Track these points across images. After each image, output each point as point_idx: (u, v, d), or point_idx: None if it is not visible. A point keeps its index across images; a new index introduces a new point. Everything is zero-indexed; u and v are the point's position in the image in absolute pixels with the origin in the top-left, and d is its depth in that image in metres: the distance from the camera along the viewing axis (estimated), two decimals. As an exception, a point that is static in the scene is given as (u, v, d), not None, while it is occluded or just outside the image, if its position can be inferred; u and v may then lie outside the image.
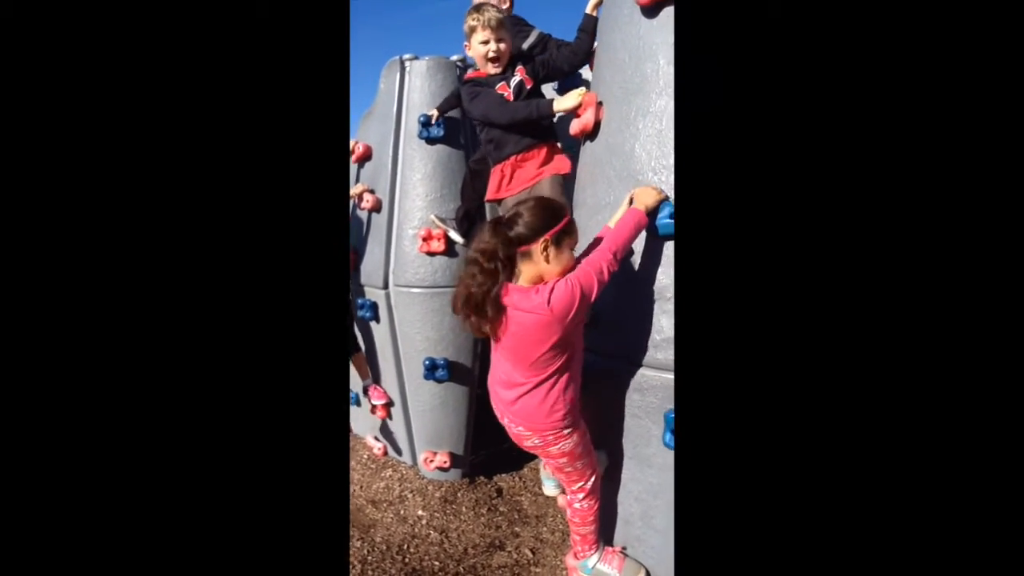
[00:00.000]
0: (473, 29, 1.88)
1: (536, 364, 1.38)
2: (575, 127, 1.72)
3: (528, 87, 1.92)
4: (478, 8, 1.92)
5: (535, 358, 1.37)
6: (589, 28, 1.89)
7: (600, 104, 1.65)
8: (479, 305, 1.35)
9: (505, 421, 1.53)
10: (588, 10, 1.88)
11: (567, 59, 1.98)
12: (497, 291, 1.34)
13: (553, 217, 1.36)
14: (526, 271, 1.38)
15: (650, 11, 1.46)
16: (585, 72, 2.24)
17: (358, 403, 2.94)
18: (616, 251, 1.38)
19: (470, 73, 2.03)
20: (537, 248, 1.34)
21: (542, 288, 1.33)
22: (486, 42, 1.87)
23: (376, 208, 2.53)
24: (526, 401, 1.43)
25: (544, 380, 1.40)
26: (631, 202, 1.44)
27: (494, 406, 1.57)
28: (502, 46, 1.88)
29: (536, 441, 1.47)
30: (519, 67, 1.93)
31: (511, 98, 1.88)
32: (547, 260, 1.35)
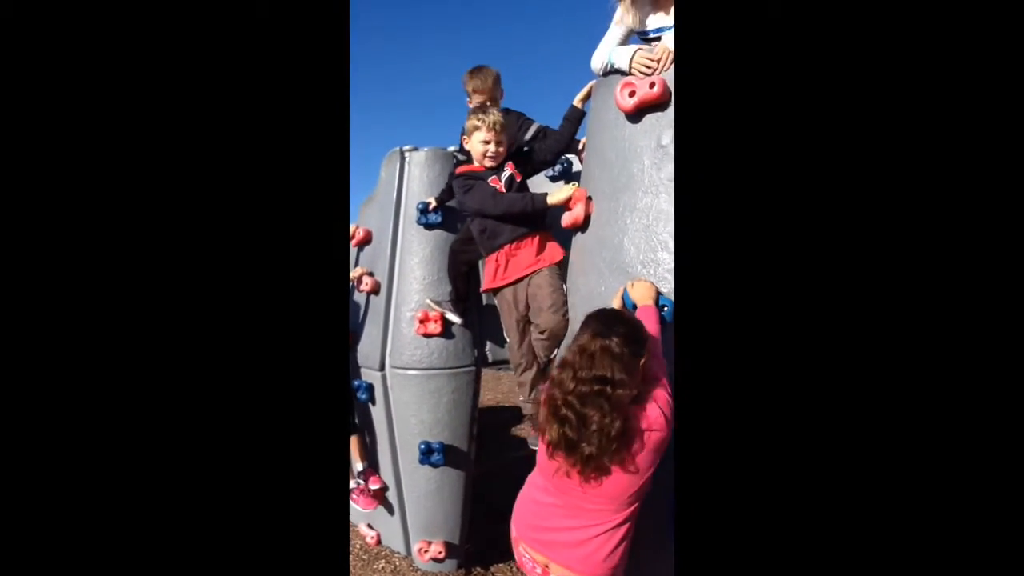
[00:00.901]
0: (477, 128, 1.97)
1: (634, 496, 1.22)
2: (567, 220, 1.79)
3: (518, 180, 2.01)
4: (483, 109, 2.03)
5: (637, 487, 1.21)
6: (573, 118, 2.00)
7: (590, 199, 1.72)
8: (609, 441, 1.15)
9: (534, 556, 1.34)
10: (575, 102, 2.00)
11: (550, 148, 2.09)
12: (630, 423, 1.17)
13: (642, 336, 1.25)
14: None
15: (634, 117, 1.57)
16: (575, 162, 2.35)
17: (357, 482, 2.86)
18: (660, 353, 1.35)
19: (462, 168, 2.13)
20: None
21: (649, 404, 1.21)
22: (487, 142, 1.96)
23: (375, 291, 2.58)
24: (597, 544, 1.22)
25: (627, 519, 1.23)
26: (625, 294, 1.47)
27: (525, 539, 1.37)
28: (501, 148, 1.99)
29: None
30: (509, 161, 2.04)
31: (503, 191, 1.97)
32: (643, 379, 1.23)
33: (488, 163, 2.01)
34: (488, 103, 2.26)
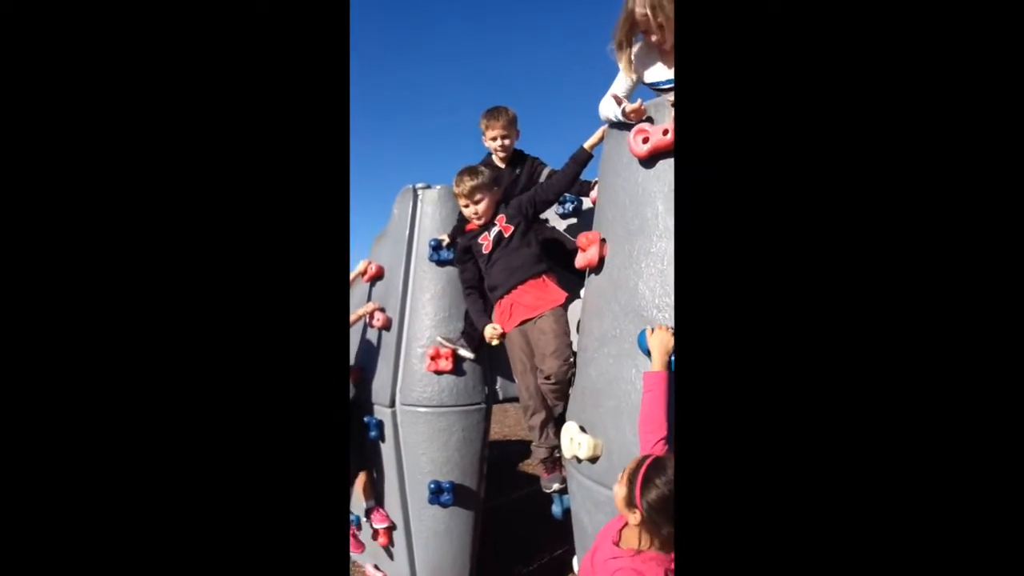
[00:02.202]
0: (458, 197, 2.16)
1: None
2: (580, 261, 1.80)
3: (507, 234, 2.09)
4: (460, 175, 2.14)
5: None
6: (580, 160, 2.05)
7: (604, 241, 1.74)
8: None
9: None
10: (586, 145, 2.04)
11: (552, 188, 2.16)
12: None
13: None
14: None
15: (647, 162, 1.59)
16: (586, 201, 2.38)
17: (359, 526, 2.82)
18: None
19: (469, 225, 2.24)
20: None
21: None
22: (466, 207, 2.15)
23: (386, 327, 2.59)
24: None
25: None
26: (641, 337, 1.47)
27: None
28: (480, 207, 2.11)
29: None
30: (500, 215, 2.12)
31: (489, 248, 2.10)
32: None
33: (477, 223, 2.14)
34: (502, 140, 2.34)
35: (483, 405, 2.43)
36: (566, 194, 2.32)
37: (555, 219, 2.53)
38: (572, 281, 2.07)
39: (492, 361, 2.48)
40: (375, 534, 2.61)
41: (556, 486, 2.04)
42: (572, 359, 1.88)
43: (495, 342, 2.16)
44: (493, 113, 2.37)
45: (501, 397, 2.52)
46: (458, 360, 2.39)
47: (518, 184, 2.42)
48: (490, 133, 2.38)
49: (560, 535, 2.79)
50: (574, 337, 1.97)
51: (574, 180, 2.12)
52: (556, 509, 2.08)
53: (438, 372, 2.39)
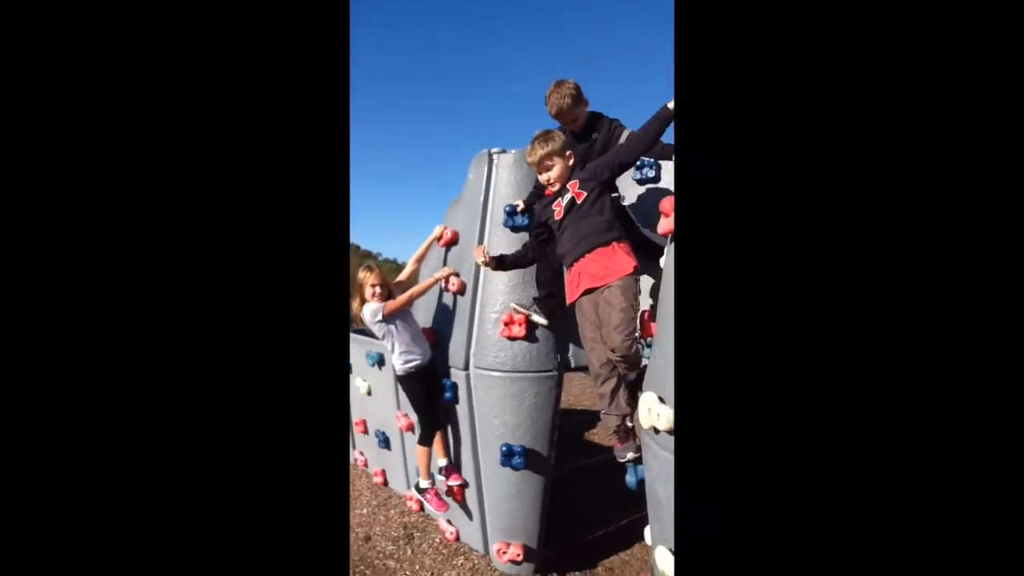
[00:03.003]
0: (531, 166, 2.13)
1: None
2: (663, 227, 1.72)
3: (579, 201, 2.01)
4: (532, 143, 2.08)
5: None
6: (663, 117, 1.89)
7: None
8: None
9: None
10: (670, 104, 1.91)
11: (631, 150, 2.01)
12: None
13: None
14: None
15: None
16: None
17: (433, 483, 2.93)
18: None
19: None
20: None
21: None
22: (540, 174, 2.11)
23: (461, 291, 2.62)
24: None
25: None
26: None
27: None
28: (552, 174, 2.06)
29: None
30: (573, 181, 2.05)
31: (561, 215, 2.06)
32: None
33: (552, 190, 2.11)
34: (569, 109, 2.25)
35: (555, 372, 2.43)
36: (645, 158, 2.21)
37: (632, 186, 2.43)
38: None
39: (564, 329, 2.46)
40: (448, 491, 2.71)
41: (631, 455, 2.01)
42: (637, 332, 1.84)
43: (480, 259, 2.24)
44: (555, 89, 2.26)
45: (573, 365, 2.50)
46: (531, 326, 2.39)
47: (594, 148, 2.33)
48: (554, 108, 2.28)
49: (626, 504, 2.79)
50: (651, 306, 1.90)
51: (655, 141, 1.97)
52: (630, 479, 2.05)
53: (511, 338, 2.40)
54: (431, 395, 2.66)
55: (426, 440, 2.68)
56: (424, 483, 2.73)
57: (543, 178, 2.10)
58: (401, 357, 2.59)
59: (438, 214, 3.04)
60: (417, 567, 2.62)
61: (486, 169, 2.59)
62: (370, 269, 2.59)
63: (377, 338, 2.68)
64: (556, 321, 2.41)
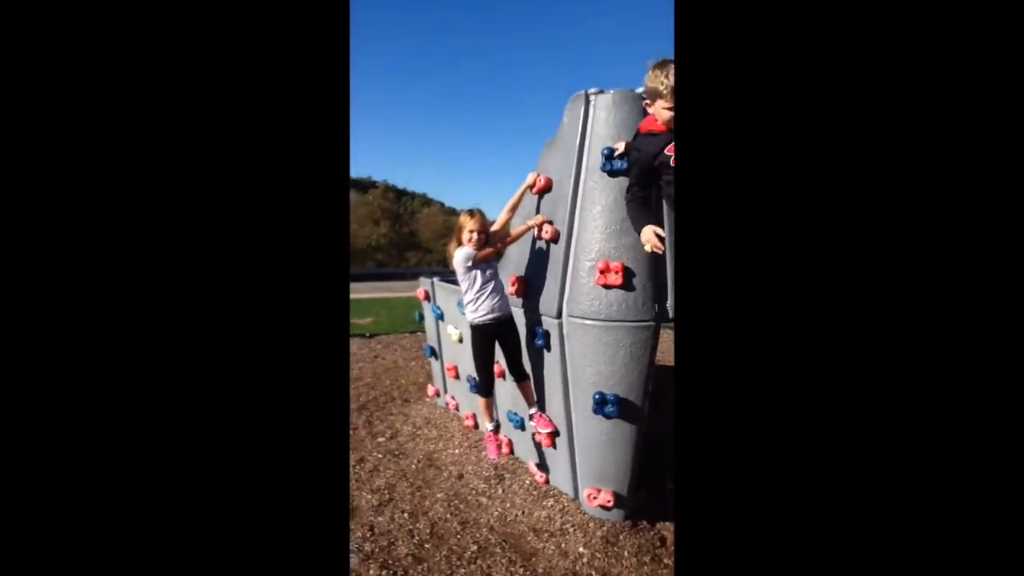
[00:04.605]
0: (660, 94, 1.80)
1: None
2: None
3: None
4: (664, 70, 1.78)
5: None
6: None
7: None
8: None
9: None
10: None
11: None
12: None
13: None
14: None
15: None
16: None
17: (522, 427, 3.00)
18: None
19: (645, 122, 2.02)
20: None
21: None
22: (671, 109, 1.81)
23: (554, 239, 2.58)
24: None
25: None
26: None
27: None
28: (668, 115, 1.85)
29: None
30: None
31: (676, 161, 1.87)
32: None
33: (669, 127, 1.88)
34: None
35: (652, 323, 2.35)
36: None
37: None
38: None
39: (666, 278, 2.36)
40: (537, 437, 2.76)
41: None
42: None
43: (649, 247, 2.01)
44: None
45: (671, 315, 2.41)
46: (628, 275, 2.31)
47: None
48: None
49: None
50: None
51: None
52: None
53: (607, 286, 2.34)
54: (490, 352, 2.75)
55: (484, 391, 2.84)
56: (487, 425, 2.92)
57: (666, 116, 1.83)
58: (470, 306, 2.68)
59: (531, 162, 2.99)
60: (508, 505, 2.72)
61: (582, 111, 2.48)
62: (471, 214, 2.61)
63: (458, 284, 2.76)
64: (654, 269, 2.31)
